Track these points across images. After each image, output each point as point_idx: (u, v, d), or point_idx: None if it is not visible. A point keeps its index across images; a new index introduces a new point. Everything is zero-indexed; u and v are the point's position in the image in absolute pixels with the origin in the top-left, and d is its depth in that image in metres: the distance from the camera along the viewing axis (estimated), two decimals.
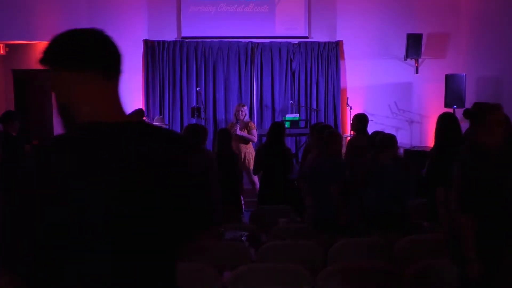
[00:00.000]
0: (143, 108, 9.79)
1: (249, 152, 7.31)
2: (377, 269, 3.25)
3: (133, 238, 1.35)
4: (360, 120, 5.98)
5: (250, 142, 7.47)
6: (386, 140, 4.61)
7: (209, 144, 8.82)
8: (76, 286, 1.31)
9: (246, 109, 7.67)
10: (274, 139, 5.95)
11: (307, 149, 6.11)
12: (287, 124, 8.64)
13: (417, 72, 9.75)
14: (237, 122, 7.45)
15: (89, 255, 1.30)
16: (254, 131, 7.48)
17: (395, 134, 4.93)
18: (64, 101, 1.42)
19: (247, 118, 7.65)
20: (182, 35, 9.95)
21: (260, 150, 6.12)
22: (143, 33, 9.82)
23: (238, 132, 7.34)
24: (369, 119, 6.04)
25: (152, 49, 9.83)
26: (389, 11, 9.71)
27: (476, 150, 2.90)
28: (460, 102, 8.63)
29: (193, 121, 9.44)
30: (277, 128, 6.02)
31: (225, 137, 5.88)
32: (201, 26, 9.91)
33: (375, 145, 4.63)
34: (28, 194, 1.26)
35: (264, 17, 9.99)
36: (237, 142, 7.25)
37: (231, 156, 5.72)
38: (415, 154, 8.41)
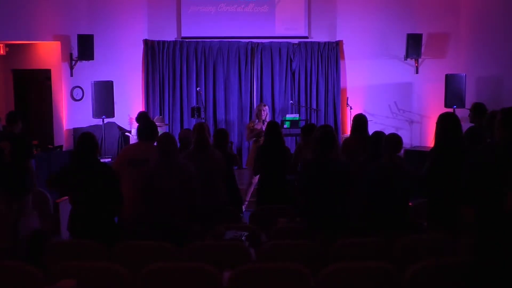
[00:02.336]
0: (143, 108, 9.80)
1: None
2: (377, 269, 3.25)
3: None
4: (359, 121, 5.95)
5: None
6: (396, 139, 4.58)
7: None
8: None
9: (267, 108, 7.64)
10: (270, 138, 5.91)
11: (299, 149, 6.06)
12: (287, 124, 8.63)
13: (417, 72, 9.75)
14: (261, 122, 7.37)
15: None
16: None
17: None
18: None
19: (268, 118, 7.59)
20: (182, 35, 9.95)
21: (258, 150, 6.09)
22: (143, 33, 9.82)
23: None
24: (369, 119, 6.03)
25: (152, 49, 9.83)
26: (389, 11, 9.71)
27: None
28: (460, 102, 8.64)
29: (193, 121, 9.44)
30: (272, 127, 5.96)
31: (222, 137, 5.76)
32: (201, 26, 9.92)
33: (385, 146, 4.58)
34: None
35: (264, 17, 9.99)
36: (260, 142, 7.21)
37: (227, 157, 5.64)
38: (415, 154, 8.41)
